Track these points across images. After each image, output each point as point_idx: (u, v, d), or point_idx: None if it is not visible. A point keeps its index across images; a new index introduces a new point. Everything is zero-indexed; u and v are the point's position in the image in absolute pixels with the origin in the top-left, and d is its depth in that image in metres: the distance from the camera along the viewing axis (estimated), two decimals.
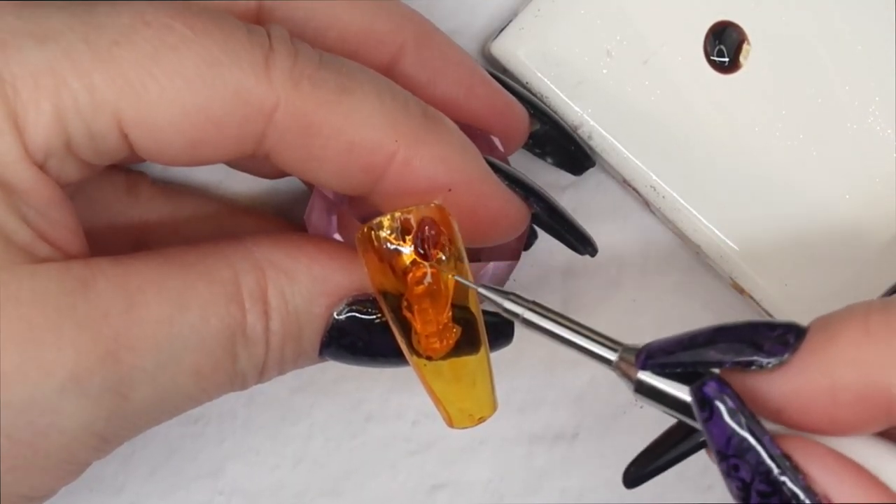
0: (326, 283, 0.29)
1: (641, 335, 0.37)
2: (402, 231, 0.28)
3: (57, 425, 0.26)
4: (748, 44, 0.35)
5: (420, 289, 0.28)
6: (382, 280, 0.28)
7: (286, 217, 0.36)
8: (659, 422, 0.37)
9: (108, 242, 0.32)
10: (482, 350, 0.29)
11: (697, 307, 0.37)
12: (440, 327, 0.28)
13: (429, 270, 0.28)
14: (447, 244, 0.28)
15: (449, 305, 0.28)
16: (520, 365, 0.37)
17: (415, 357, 0.29)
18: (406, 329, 0.28)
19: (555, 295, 0.37)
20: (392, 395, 0.37)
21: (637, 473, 0.30)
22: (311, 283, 0.29)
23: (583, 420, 0.37)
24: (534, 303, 0.29)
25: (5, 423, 0.26)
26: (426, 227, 0.28)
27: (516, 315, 0.28)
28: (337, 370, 0.36)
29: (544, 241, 0.33)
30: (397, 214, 0.28)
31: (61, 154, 0.27)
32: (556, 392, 0.37)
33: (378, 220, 0.28)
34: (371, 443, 0.37)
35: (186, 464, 0.36)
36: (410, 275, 0.28)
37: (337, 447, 0.37)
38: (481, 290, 0.29)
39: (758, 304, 0.35)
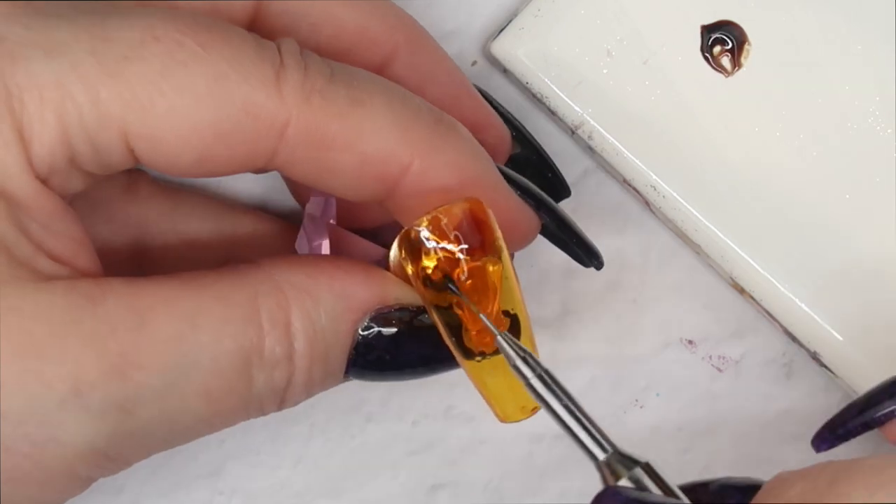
0: (350, 300, 0.28)
1: (641, 335, 0.37)
2: (443, 229, 0.28)
3: (56, 438, 0.26)
4: (748, 44, 0.35)
5: (467, 284, 0.28)
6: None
7: (286, 217, 0.36)
8: (658, 424, 0.37)
9: (106, 241, 0.32)
10: (529, 341, 0.29)
11: (697, 307, 0.37)
12: (490, 321, 0.28)
13: (465, 266, 0.28)
14: (487, 237, 0.28)
15: (498, 298, 0.28)
16: None
17: (464, 358, 0.28)
18: (455, 330, 0.28)
19: (555, 295, 0.37)
20: (392, 395, 0.37)
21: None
22: (334, 301, 0.28)
23: None
24: (546, 372, 0.27)
25: (2, 434, 0.25)
26: (466, 222, 0.28)
27: (523, 377, 0.27)
28: None
29: (544, 241, 0.33)
30: (436, 213, 0.28)
31: (65, 167, 0.26)
32: None
33: (417, 221, 0.28)
34: (371, 443, 0.37)
35: (186, 464, 0.36)
36: (457, 271, 0.28)
37: (337, 447, 0.37)
38: (499, 337, 0.28)
39: (758, 303, 0.35)
